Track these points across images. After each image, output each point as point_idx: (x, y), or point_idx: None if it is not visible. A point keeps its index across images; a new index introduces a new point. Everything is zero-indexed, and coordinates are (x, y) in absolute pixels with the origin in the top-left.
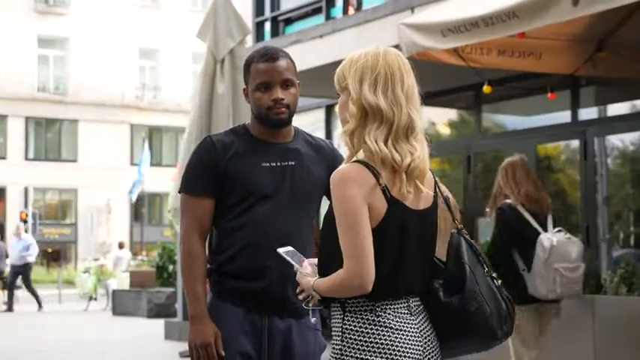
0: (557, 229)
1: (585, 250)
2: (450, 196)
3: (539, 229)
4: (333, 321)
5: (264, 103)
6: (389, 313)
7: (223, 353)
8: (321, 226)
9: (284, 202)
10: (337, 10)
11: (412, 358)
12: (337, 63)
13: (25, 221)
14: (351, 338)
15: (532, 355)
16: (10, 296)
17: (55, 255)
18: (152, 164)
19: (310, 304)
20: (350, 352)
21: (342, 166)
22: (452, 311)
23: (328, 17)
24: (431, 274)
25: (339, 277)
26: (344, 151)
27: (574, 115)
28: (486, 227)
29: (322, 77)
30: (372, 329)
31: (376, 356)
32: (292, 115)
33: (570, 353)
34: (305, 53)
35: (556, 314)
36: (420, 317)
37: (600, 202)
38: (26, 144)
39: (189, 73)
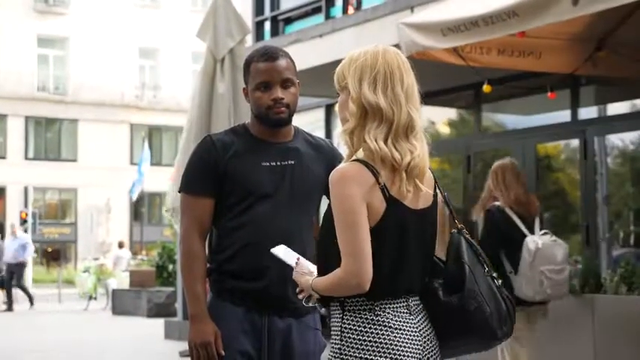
0: (543, 231)
1: (585, 250)
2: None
3: (526, 232)
4: (332, 320)
5: (264, 103)
6: (388, 313)
7: (223, 353)
8: (320, 225)
9: (284, 201)
10: (337, 10)
11: (411, 357)
12: (337, 62)
13: (25, 221)
14: (350, 337)
15: (526, 351)
16: (9, 296)
17: (54, 254)
18: (152, 164)
19: (310, 303)
20: (349, 351)
21: (341, 165)
22: (451, 311)
23: (328, 17)
24: (431, 273)
25: (336, 276)
26: (344, 150)
27: (574, 114)
28: None
29: (322, 77)
30: (370, 328)
31: (375, 355)
32: (292, 115)
33: (570, 352)
34: (305, 53)
35: (543, 315)
36: (420, 316)
37: (600, 201)
38: (26, 143)
39: (189, 72)
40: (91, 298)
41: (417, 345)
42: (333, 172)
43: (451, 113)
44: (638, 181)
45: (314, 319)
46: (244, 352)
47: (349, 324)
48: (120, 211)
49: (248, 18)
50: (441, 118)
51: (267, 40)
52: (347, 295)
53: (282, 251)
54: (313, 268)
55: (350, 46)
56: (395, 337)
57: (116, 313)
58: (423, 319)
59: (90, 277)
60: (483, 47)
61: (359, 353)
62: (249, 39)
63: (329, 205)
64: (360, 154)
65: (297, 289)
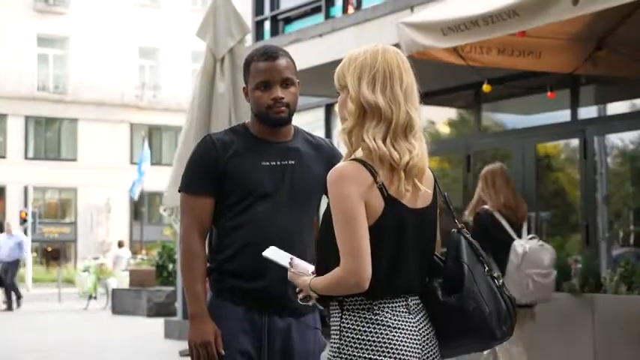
0: (530, 235)
1: (585, 249)
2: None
3: (514, 236)
4: (331, 319)
5: (264, 102)
6: (387, 312)
7: (223, 352)
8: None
9: (284, 201)
10: (337, 9)
11: (410, 356)
12: (337, 62)
13: (24, 220)
14: (348, 336)
15: (519, 350)
16: (8, 295)
17: (54, 254)
18: (152, 163)
19: (310, 303)
20: (348, 350)
21: (339, 164)
22: (450, 310)
23: (328, 16)
24: (431, 273)
25: (335, 275)
26: (343, 149)
27: (574, 113)
28: None
29: (322, 76)
30: (369, 327)
31: (373, 354)
32: (292, 114)
33: (570, 352)
34: (305, 52)
35: (531, 318)
36: (419, 316)
37: (600, 200)
38: (26, 143)
39: (189, 72)
40: (90, 297)
41: (416, 344)
42: (331, 171)
43: (451, 113)
44: (638, 181)
45: (314, 319)
46: (244, 352)
47: (348, 323)
48: (120, 211)
49: (248, 17)
50: (440, 117)
51: (267, 39)
52: (346, 295)
53: (273, 253)
54: (307, 266)
55: (350, 46)
56: (394, 336)
57: (116, 312)
58: (422, 319)
59: (90, 276)
60: (483, 47)
61: (358, 352)
62: (249, 38)
63: (328, 204)
64: (359, 153)
65: (297, 290)
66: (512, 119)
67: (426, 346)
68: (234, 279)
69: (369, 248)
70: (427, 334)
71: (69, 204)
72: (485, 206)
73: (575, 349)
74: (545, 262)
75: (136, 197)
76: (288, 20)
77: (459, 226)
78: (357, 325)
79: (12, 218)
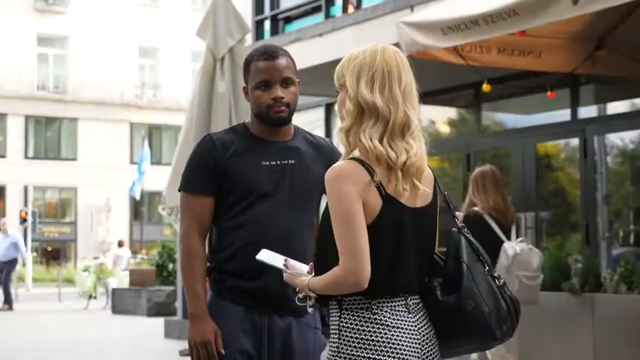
0: (520, 238)
1: (585, 249)
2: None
3: (504, 238)
4: (330, 319)
5: (264, 102)
6: (385, 311)
7: (223, 352)
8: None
9: (284, 200)
10: (337, 9)
11: (409, 355)
12: (337, 61)
13: (24, 220)
14: (347, 336)
15: (500, 352)
16: (7, 294)
17: (54, 253)
18: (152, 163)
19: (310, 303)
20: (346, 349)
21: (337, 163)
22: (449, 310)
23: (328, 16)
24: (431, 272)
25: (334, 274)
26: (342, 148)
27: (574, 113)
28: None
29: (322, 76)
30: (368, 327)
31: (372, 353)
32: (292, 114)
33: (570, 351)
34: (305, 52)
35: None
36: (419, 315)
37: (600, 200)
38: (26, 142)
39: (189, 71)
40: (90, 297)
41: (416, 344)
42: (329, 170)
43: (451, 112)
44: (638, 180)
45: (314, 318)
46: (244, 351)
47: (347, 323)
48: (120, 210)
49: (248, 17)
50: (440, 117)
51: (267, 39)
52: (344, 294)
53: (266, 256)
54: (302, 267)
55: (350, 45)
56: (392, 335)
57: (116, 312)
58: (422, 318)
59: (90, 276)
60: (483, 46)
61: (356, 352)
62: (249, 38)
63: (327, 204)
64: (357, 152)
65: (297, 290)
66: (512, 119)
67: (426, 346)
68: (234, 278)
69: (367, 247)
70: (427, 334)
71: (69, 203)
72: (475, 208)
73: (575, 349)
74: (533, 264)
75: (137, 197)
76: (288, 20)
77: (460, 225)
78: (356, 325)
79: (12, 218)
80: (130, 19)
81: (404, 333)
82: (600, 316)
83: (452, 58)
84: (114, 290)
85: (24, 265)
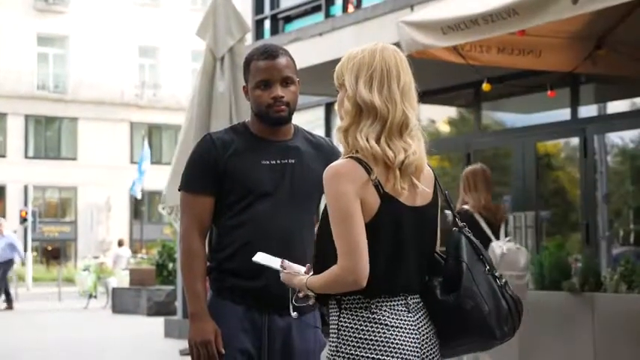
0: (507, 238)
1: (585, 248)
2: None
3: (492, 237)
4: (330, 318)
5: (264, 101)
6: (385, 310)
7: (223, 351)
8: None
9: (284, 199)
10: (337, 8)
11: (408, 355)
12: (337, 61)
13: (25, 219)
14: (346, 335)
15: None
16: (7, 294)
17: (54, 253)
18: (152, 162)
19: (310, 302)
20: (345, 348)
21: (335, 162)
22: (448, 309)
23: (328, 15)
24: (431, 271)
25: (332, 272)
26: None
27: (574, 112)
28: None
29: (322, 75)
30: (366, 326)
31: (371, 353)
32: (292, 113)
33: (570, 350)
34: (304, 51)
35: None
36: (419, 315)
37: (600, 199)
38: (26, 142)
39: (189, 71)
40: (91, 296)
41: (415, 343)
42: (326, 169)
43: (451, 111)
44: (638, 180)
45: (314, 318)
46: (244, 351)
47: (346, 322)
48: (120, 210)
49: (248, 16)
50: (441, 116)
51: (267, 38)
52: (344, 293)
53: (262, 257)
54: (299, 268)
55: (350, 45)
56: (391, 334)
57: (116, 311)
58: (422, 318)
59: (90, 275)
60: (483, 45)
61: (355, 351)
62: (249, 37)
63: (326, 204)
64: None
65: (298, 291)
66: (512, 118)
67: (426, 345)
68: (234, 278)
69: (366, 246)
70: (427, 333)
71: (69, 203)
72: (466, 206)
73: (575, 348)
74: (520, 264)
75: (138, 196)
76: (288, 19)
77: (460, 224)
78: (355, 324)
79: (12, 217)
80: (130, 18)
81: (403, 332)
82: (600, 316)
83: (452, 57)
84: (114, 290)
85: (23, 264)
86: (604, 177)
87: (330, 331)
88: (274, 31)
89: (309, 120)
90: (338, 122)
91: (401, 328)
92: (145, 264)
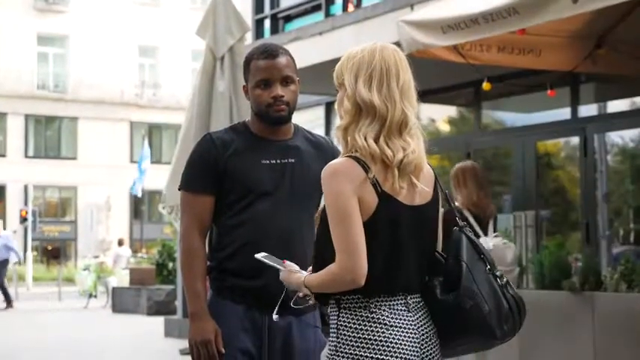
0: (495, 233)
1: (585, 247)
2: None
3: (480, 233)
4: (330, 318)
5: (263, 100)
6: (384, 310)
7: (223, 350)
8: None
9: (284, 199)
10: (337, 8)
11: (408, 354)
12: (337, 60)
13: (25, 219)
14: (345, 334)
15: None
16: (5, 293)
17: (54, 252)
18: (152, 162)
19: (310, 302)
20: (345, 348)
21: (333, 161)
22: (448, 309)
23: (328, 14)
24: (432, 271)
25: (330, 271)
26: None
27: (574, 111)
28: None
29: (322, 74)
30: (365, 325)
31: (370, 352)
32: (292, 113)
33: (570, 350)
34: (304, 50)
35: None
36: (419, 314)
37: (600, 198)
38: (26, 142)
39: (189, 70)
40: (91, 296)
41: (415, 342)
42: (325, 167)
43: (451, 111)
44: (638, 179)
45: (314, 317)
46: (245, 350)
47: (345, 321)
48: (120, 209)
49: (248, 16)
50: (441, 115)
51: (267, 37)
52: (343, 293)
53: (265, 255)
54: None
55: (350, 44)
56: (390, 334)
57: (116, 311)
58: (422, 317)
59: (90, 275)
60: (483, 45)
61: (354, 350)
62: (249, 37)
63: (324, 203)
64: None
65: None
66: (512, 117)
67: (426, 345)
68: (235, 277)
69: (364, 245)
70: (427, 333)
71: (69, 202)
72: (455, 203)
73: (575, 347)
74: (508, 259)
75: (139, 194)
76: (288, 18)
77: (461, 223)
78: (354, 323)
79: (12, 217)
80: (130, 18)
81: (403, 332)
82: (600, 315)
83: (452, 56)
84: (114, 289)
85: (19, 264)
86: (604, 176)
87: (330, 330)
88: (274, 30)
89: (309, 119)
90: (338, 121)
91: (400, 327)
92: (145, 263)
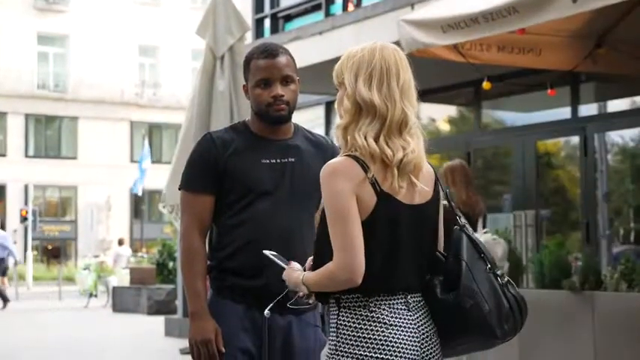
0: (484, 230)
1: (586, 247)
2: None
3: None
4: (330, 317)
5: (263, 100)
6: (384, 309)
7: (224, 350)
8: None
9: (284, 198)
10: (337, 7)
11: (407, 353)
12: (337, 60)
13: (25, 218)
14: (345, 334)
15: None
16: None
17: (55, 252)
18: (152, 161)
19: (310, 301)
20: (344, 347)
21: (332, 160)
22: (448, 308)
23: (328, 14)
24: (433, 270)
25: (328, 270)
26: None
27: (574, 111)
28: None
29: (322, 74)
30: (365, 325)
31: (369, 351)
32: (292, 112)
33: (570, 349)
34: (304, 50)
35: None
36: (419, 313)
37: (600, 198)
38: (26, 141)
39: (189, 70)
40: (91, 295)
41: (415, 342)
42: (324, 167)
43: (451, 110)
44: (638, 178)
45: (314, 316)
46: (245, 350)
47: (344, 320)
48: (120, 209)
49: (248, 15)
50: (441, 115)
51: (267, 37)
52: (342, 292)
53: (272, 252)
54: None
55: (350, 44)
56: (390, 333)
57: (116, 310)
58: (422, 317)
59: (90, 274)
60: (483, 44)
61: (354, 349)
62: (249, 36)
63: (323, 202)
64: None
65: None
66: (512, 116)
67: (426, 344)
68: (235, 277)
69: (362, 244)
70: (427, 332)
71: (69, 202)
72: (444, 202)
73: (575, 347)
74: (498, 254)
75: (139, 193)
76: (289, 18)
77: (461, 223)
78: (354, 322)
79: (12, 216)
80: (130, 17)
81: (402, 331)
82: (600, 314)
83: (452, 55)
84: (114, 288)
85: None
86: (604, 176)
87: (330, 329)
88: (274, 29)
89: (309, 119)
90: (338, 121)
91: (400, 326)
92: (146, 263)
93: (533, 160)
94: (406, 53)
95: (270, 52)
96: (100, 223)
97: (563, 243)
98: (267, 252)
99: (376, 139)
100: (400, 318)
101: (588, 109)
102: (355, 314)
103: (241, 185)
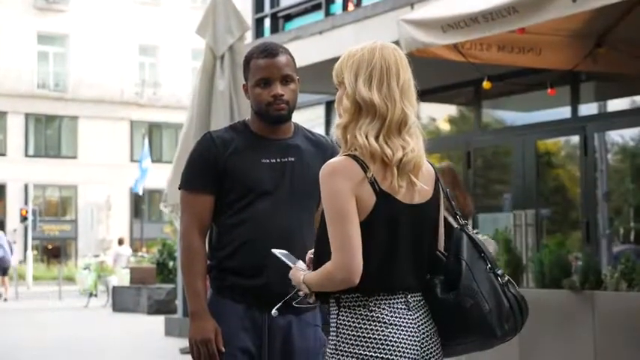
0: (475, 230)
1: (586, 246)
2: None
3: None
4: (330, 316)
5: (263, 99)
6: (383, 309)
7: (223, 349)
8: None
9: (284, 198)
10: (337, 7)
11: (407, 353)
12: (337, 59)
13: (25, 218)
14: (345, 333)
15: None
16: None
17: (55, 251)
18: (152, 161)
19: (311, 301)
20: (344, 346)
21: (331, 160)
22: (448, 308)
23: (328, 13)
24: (433, 269)
25: (326, 269)
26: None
27: (574, 110)
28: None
29: (322, 73)
30: (365, 324)
31: (369, 351)
32: (292, 111)
33: (570, 349)
34: (304, 49)
35: None
36: (420, 313)
37: (600, 197)
38: (26, 141)
39: (189, 69)
40: (91, 295)
41: (415, 341)
42: (323, 166)
43: (451, 110)
44: (638, 178)
45: (314, 316)
46: (245, 349)
47: (344, 320)
48: (120, 208)
49: (248, 15)
50: (441, 114)
51: (267, 36)
52: (342, 291)
53: (283, 254)
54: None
55: (350, 43)
56: (389, 332)
57: (116, 310)
58: (423, 316)
59: (90, 274)
60: (483, 44)
61: (354, 349)
62: (249, 36)
63: (322, 202)
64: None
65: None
66: (512, 116)
67: (426, 343)
68: (235, 276)
69: (360, 243)
70: (427, 332)
71: (69, 201)
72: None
73: (575, 346)
74: None
75: (140, 192)
76: (288, 17)
77: (462, 222)
78: (353, 322)
79: (12, 216)
80: (130, 17)
81: (402, 330)
82: (600, 314)
83: (452, 55)
84: (114, 288)
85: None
86: (604, 175)
87: (330, 329)
88: (274, 29)
89: (309, 118)
90: (337, 120)
91: (400, 325)
92: (146, 262)
93: (533, 159)
94: (406, 53)
95: (270, 51)
96: (100, 223)
97: (564, 242)
98: (275, 250)
99: (376, 139)
100: (400, 317)
101: (588, 109)
102: (355, 314)
103: (241, 185)
